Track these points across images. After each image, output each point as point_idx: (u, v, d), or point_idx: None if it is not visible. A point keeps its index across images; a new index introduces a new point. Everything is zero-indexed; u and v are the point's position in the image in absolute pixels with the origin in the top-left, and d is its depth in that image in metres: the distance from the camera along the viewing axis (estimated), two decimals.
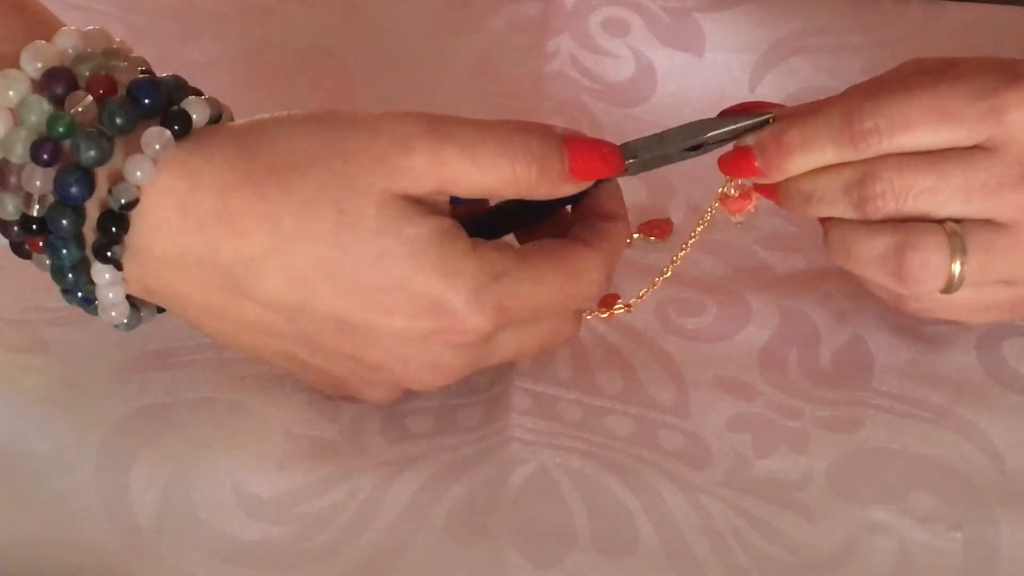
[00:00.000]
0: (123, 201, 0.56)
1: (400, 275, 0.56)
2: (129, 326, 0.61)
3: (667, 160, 0.62)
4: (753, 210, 0.64)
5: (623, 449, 0.62)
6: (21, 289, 0.67)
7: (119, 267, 0.58)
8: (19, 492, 0.60)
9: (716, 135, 0.62)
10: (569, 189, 0.59)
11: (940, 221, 0.60)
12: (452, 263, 0.57)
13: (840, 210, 0.61)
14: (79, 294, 0.60)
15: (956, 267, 0.60)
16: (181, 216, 0.57)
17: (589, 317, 0.65)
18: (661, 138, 0.62)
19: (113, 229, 0.57)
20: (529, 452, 0.61)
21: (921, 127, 0.59)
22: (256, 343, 0.60)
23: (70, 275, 0.58)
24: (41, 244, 0.58)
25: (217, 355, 0.65)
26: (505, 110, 0.77)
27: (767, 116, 0.61)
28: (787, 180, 0.61)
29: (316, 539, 0.59)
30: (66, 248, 0.57)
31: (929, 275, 0.60)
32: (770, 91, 0.78)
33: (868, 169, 0.60)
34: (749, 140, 0.62)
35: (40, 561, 0.58)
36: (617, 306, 0.65)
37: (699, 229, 0.65)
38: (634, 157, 0.61)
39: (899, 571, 0.58)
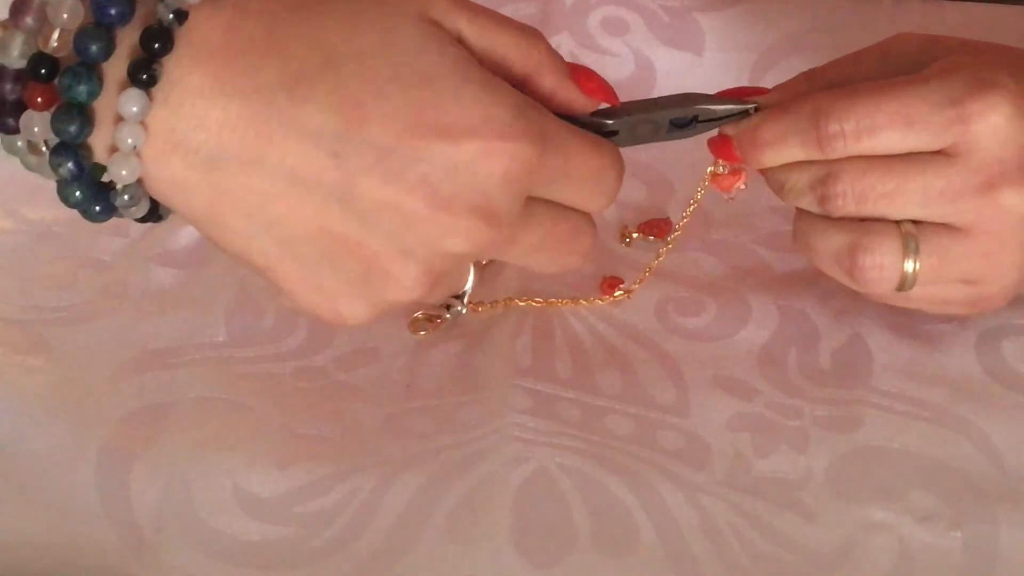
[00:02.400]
0: (174, 10, 0.53)
1: (449, 89, 0.54)
2: (132, 201, 0.55)
3: (655, 132, 0.62)
4: (743, 187, 0.65)
5: (623, 448, 0.62)
6: (21, 289, 0.67)
7: (149, 95, 0.53)
8: (20, 492, 0.60)
9: (704, 110, 0.62)
10: (569, 92, 0.59)
11: (899, 222, 0.61)
12: (496, 82, 0.55)
13: (807, 203, 0.62)
14: (70, 164, 0.54)
15: (909, 266, 0.61)
16: (226, 38, 0.53)
17: (585, 302, 0.65)
18: (655, 102, 0.62)
19: (157, 46, 0.52)
20: (529, 451, 0.61)
21: (886, 133, 0.60)
22: (281, 215, 0.54)
23: (72, 127, 0.53)
24: (40, 100, 0.53)
25: (217, 355, 0.65)
26: None
27: (751, 105, 0.62)
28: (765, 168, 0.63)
29: (317, 539, 0.59)
30: (87, 82, 0.52)
31: (881, 275, 0.61)
32: None
33: (832, 169, 0.61)
34: (730, 130, 0.63)
35: (40, 560, 0.58)
36: (618, 291, 0.65)
37: (690, 209, 0.67)
38: (627, 114, 0.61)
39: (899, 570, 0.58)
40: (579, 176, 0.58)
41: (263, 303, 0.68)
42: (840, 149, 0.60)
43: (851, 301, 0.68)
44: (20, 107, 0.53)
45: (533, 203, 0.57)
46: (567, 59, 0.78)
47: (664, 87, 0.78)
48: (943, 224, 0.60)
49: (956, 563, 0.59)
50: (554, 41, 0.79)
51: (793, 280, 0.70)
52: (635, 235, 0.72)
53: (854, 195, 0.60)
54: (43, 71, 0.53)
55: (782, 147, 0.61)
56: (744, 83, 0.78)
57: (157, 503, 0.60)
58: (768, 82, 0.78)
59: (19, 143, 0.54)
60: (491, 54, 0.57)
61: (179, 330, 0.66)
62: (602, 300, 0.66)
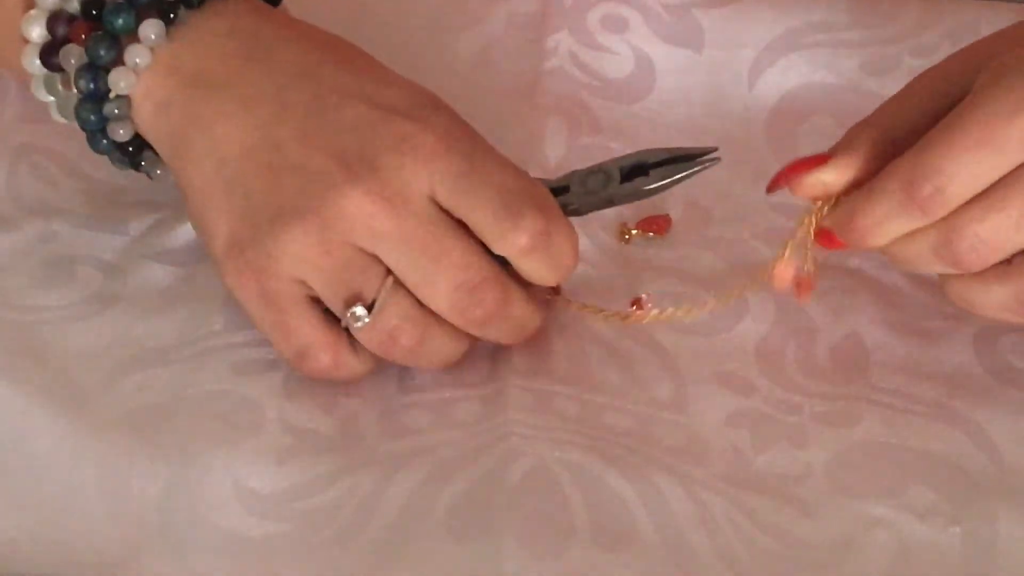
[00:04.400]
0: None
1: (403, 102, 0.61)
2: (119, 115, 0.64)
3: (607, 183, 0.62)
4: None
5: (622, 444, 0.62)
6: (21, 289, 0.67)
7: (168, 32, 0.63)
8: (20, 490, 0.61)
9: (655, 153, 0.62)
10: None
11: None
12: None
13: (942, 269, 0.60)
14: (89, 81, 0.63)
15: None
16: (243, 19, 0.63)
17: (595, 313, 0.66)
18: (600, 168, 0.62)
19: None
20: (528, 446, 0.61)
21: (978, 169, 0.58)
22: (223, 133, 0.62)
23: (101, 50, 0.62)
24: (82, 36, 0.63)
25: (215, 347, 0.65)
26: (504, 107, 0.77)
27: (711, 150, 0.62)
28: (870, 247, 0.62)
29: (317, 535, 0.59)
30: (124, 15, 0.62)
31: None
32: (769, 88, 0.78)
33: (949, 228, 0.59)
34: (827, 221, 0.62)
35: (41, 558, 0.59)
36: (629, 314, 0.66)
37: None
38: (582, 186, 0.62)
39: (897, 565, 0.58)
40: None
41: None
42: (943, 206, 0.58)
43: (849, 298, 0.69)
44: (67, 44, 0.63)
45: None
46: (566, 57, 0.79)
47: (664, 85, 0.78)
48: None
49: (955, 558, 0.59)
50: (554, 39, 0.79)
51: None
52: (634, 231, 0.72)
53: (984, 245, 0.59)
54: (93, 11, 0.63)
55: (885, 226, 0.60)
56: (743, 80, 0.78)
57: (158, 500, 0.60)
58: (767, 79, 0.78)
59: (58, 85, 0.64)
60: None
61: (178, 328, 0.66)
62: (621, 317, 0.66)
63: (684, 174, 0.62)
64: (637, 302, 0.66)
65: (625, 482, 0.60)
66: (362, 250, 0.59)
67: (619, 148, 0.75)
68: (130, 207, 0.71)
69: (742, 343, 0.67)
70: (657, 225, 0.72)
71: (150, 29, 0.63)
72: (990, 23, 0.78)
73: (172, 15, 0.63)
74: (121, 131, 0.64)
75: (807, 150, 0.75)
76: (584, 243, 0.70)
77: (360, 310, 0.60)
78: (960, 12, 0.79)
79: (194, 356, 0.65)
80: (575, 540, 0.58)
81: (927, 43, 0.78)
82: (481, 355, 0.65)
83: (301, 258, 0.59)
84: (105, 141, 0.65)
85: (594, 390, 0.64)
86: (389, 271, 0.60)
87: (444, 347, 0.62)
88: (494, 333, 0.62)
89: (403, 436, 0.62)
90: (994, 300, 0.60)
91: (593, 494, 0.60)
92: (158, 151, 0.65)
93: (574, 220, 0.63)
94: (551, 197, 0.61)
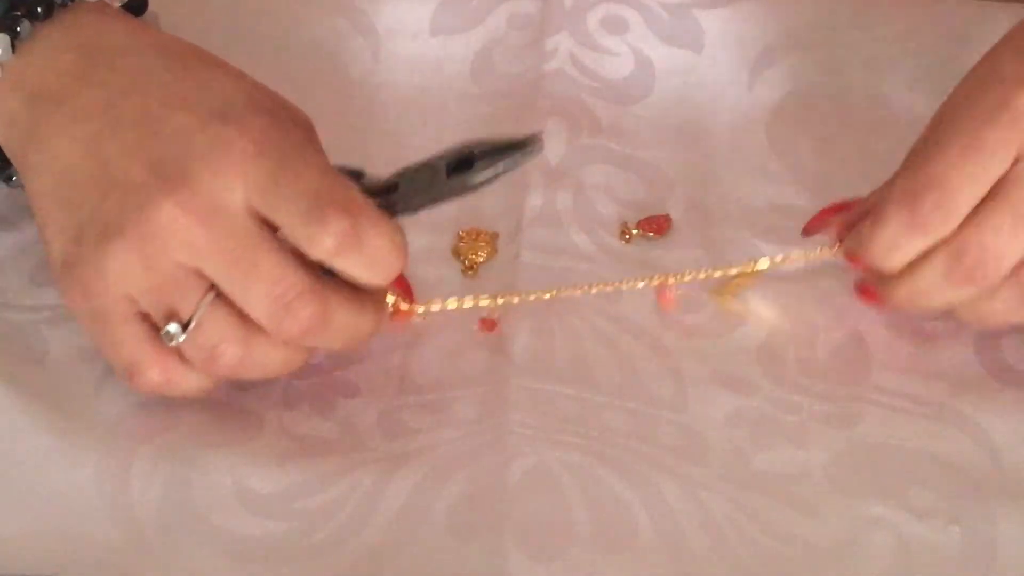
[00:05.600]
0: None
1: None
2: None
3: (434, 179, 0.60)
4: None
5: (622, 444, 0.62)
6: (21, 288, 0.67)
7: (14, 45, 0.62)
8: (20, 490, 0.60)
9: (481, 145, 0.60)
10: None
11: None
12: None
13: (955, 293, 0.62)
14: None
15: None
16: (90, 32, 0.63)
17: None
18: (426, 163, 0.61)
19: (40, 10, 0.62)
20: (528, 446, 0.61)
21: (970, 177, 0.60)
22: (57, 147, 0.60)
23: None
24: None
25: None
26: (503, 108, 0.77)
27: (533, 137, 0.60)
28: (895, 293, 0.63)
29: (317, 535, 0.59)
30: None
31: None
32: (769, 88, 0.78)
33: (953, 248, 0.61)
34: (844, 255, 0.65)
35: (41, 558, 0.58)
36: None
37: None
38: (410, 184, 0.61)
39: (897, 565, 0.58)
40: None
41: None
42: (945, 219, 0.60)
43: (850, 298, 0.68)
44: None
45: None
46: (566, 58, 0.79)
47: (664, 85, 0.78)
48: None
49: (954, 558, 0.59)
50: (553, 40, 0.79)
51: (792, 276, 0.70)
52: (634, 231, 0.72)
53: (987, 252, 0.60)
54: None
55: (897, 249, 0.62)
56: (743, 81, 0.78)
57: (158, 500, 0.60)
58: (767, 79, 0.78)
59: None
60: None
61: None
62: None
63: (510, 166, 0.60)
64: (662, 286, 0.67)
65: (625, 482, 0.60)
66: (183, 265, 0.58)
67: (619, 149, 0.76)
68: None
69: (743, 343, 0.67)
70: (657, 225, 0.72)
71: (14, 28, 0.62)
72: (991, 23, 0.78)
73: (17, 29, 0.62)
74: None
75: (807, 150, 0.76)
76: (585, 242, 0.71)
77: (174, 327, 0.59)
78: (960, 12, 0.79)
79: None
80: (575, 540, 0.58)
81: (927, 43, 0.78)
82: (481, 354, 0.65)
83: (125, 274, 0.58)
84: None
85: (594, 389, 0.64)
86: (213, 286, 0.59)
87: (274, 359, 0.60)
88: (320, 343, 0.60)
89: (403, 436, 0.62)
90: (1000, 306, 0.62)
91: (593, 494, 0.60)
92: (14, 166, 0.64)
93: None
94: (360, 197, 0.59)
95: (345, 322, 0.60)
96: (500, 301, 0.67)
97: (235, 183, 0.58)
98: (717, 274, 0.68)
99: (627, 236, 0.72)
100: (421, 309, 0.66)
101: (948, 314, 0.65)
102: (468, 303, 0.67)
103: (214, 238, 0.57)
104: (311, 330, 0.59)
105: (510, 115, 0.77)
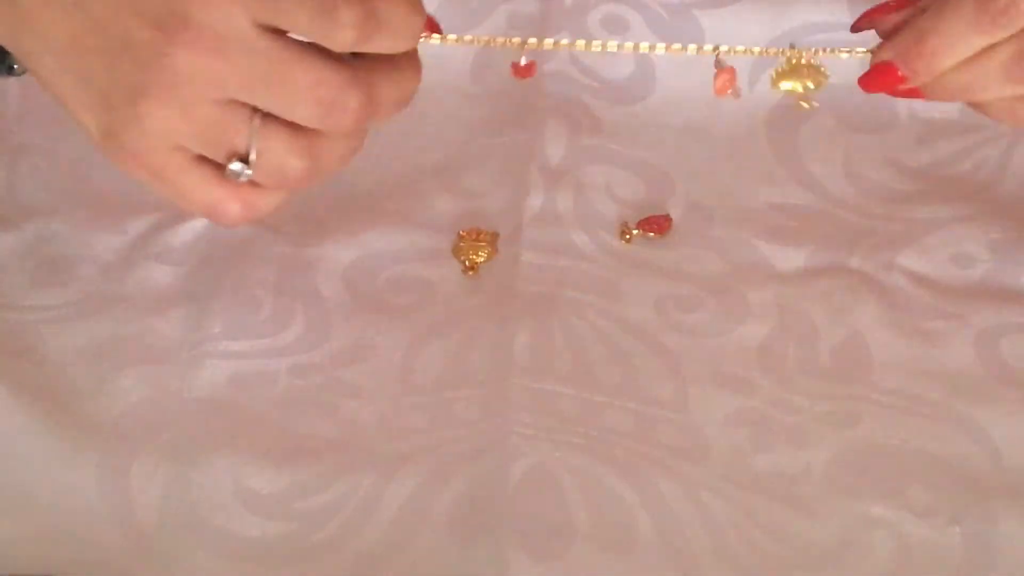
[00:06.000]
0: None
1: None
2: None
3: None
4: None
5: (622, 444, 0.62)
6: (21, 288, 0.67)
7: None
8: (20, 491, 0.60)
9: None
10: None
11: None
12: None
13: (1009, 87, 0.60)
14: None
15: None
16: None
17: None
18: None
19: None
20: (528, 446, 0.61)
21: None
22: (48, 26, 0.59)
23: None
24: None
25: (215, 358, 0.65)
26: (504, 108, 0.77)
27: None
28: (945, 84, 0.60)
29: (317, 535, 0.59)
30: None
31: None
32: (769, 88, 0.78)
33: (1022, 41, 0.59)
34: (886, 54, 0.61)
35: (42, 559, 0.58)
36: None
37: None
38: None
39: (897, 565, 0.58)
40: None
41: (260, 300, 0.68)
42: (1019, 17, 0.58)
43: (851, 297, 0.69)
44: None
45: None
46: (566, 57, 0.79)
47: (664, 85, 0.79)
48: None
49: (954, 558, 0.59)
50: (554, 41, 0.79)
51: (793, 276, 0.70)
52: (635, 231, 0.72)
53: None
54: None
55: (957, 46, 0.59)
56: (743, 80, 0.78)
57: (158, 500, 0.60)
58: (767, 79, 0.78)
59: None
60: None
61: (176, 329, 0.66)
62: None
63: None
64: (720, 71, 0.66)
65: (625, 482, 0.60)
66: (219, 101, 0.57)
67: (619, 149, 0.76)
68: (129, 207, 0.71)
69: (743, 343, 0.67)
70: (658, 225, 0.72)
71: None
72: None
73: None
74: None
75: (808, 150, 0.76)
76: (585, 242, 0.71)
77: (237, 165, 0.58)
78: None
79: (193, 358, 0.65)
80: (575, 540, 0.58)
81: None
82: (482, 355, 0.65)
83: (167, 129, 0.57)
84: None
85: (595, 390, 0.64)
86: (256, 110, 0.58)
87: (340, 153, 0.60)
88: (376, 121, 0.59)
89: (403, 436, 0.62)
90: None
91: (593, 494, 0.60)
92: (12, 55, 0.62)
93: None
94: None
95: (391, 92, 0.59)
96: (532, 41, 0.64)
97: (233, 8, 0.57)
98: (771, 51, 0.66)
99: (627, 236, 0.72)
100: (452, 37, 0.64)
101: (981, 109, 0.63)
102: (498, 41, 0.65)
103: (237, 66, 0.57)
104: (363, 116, 0.58)
105: (511, 115, 0.77)
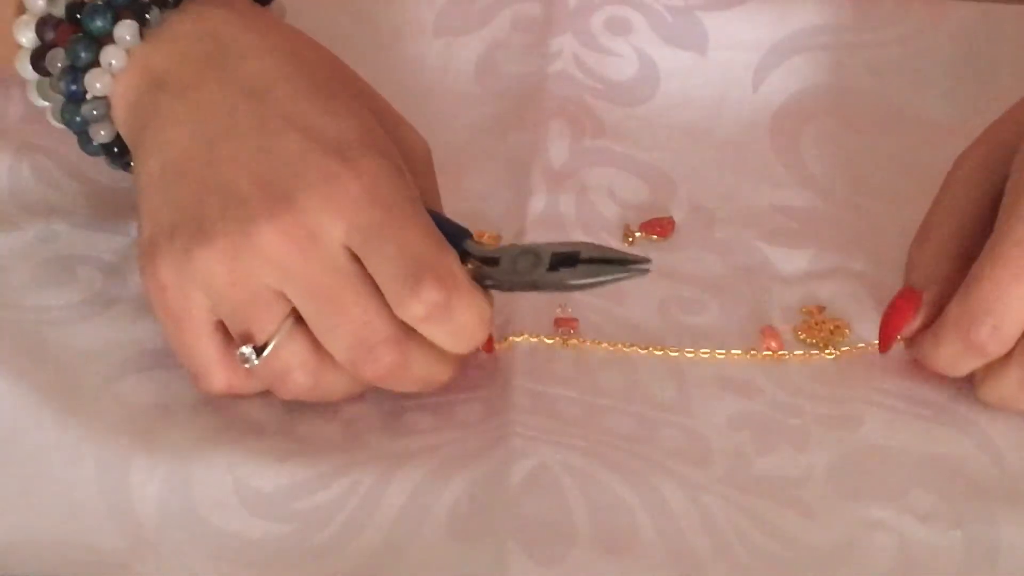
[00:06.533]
0: None
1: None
2: (97, 116, 0.64)
3: (535, 267, 0.61)
4: None
5: (624, 447, 0.62)
6: (21, 289, 0.67)
7: (142, 32, 0.63)
8: (20, 490, 0.60)
9: (588, 247, 0.61)
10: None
11: None
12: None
13: None
14: (71, 83, 0.64)
15: None
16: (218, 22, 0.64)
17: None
18: (533, 249, 0.61)
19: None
20: (530, 448, 0.61)
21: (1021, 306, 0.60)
22: (170, 136, 0.61)
23: (81, 52, 0.63)
24: (66, 39, 0.64)
25: None
26: (507, 110, 0.77)
27: (644, 262, 0.61)
28: (983, 394, 0.63)
29: (317, 536, 0.59)
30: (101, 16, 0.63)
31: None
32: (773, 89, 0.78)
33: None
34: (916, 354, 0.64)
35: (41, 559, 0.58)
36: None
37: None
38: (512, 264, 0.61)
39: (899, 569, 0.58)
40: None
41: None
42: (1003, 343, 0.60)
43: (852, 301, 0.68)
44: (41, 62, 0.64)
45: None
46: (570, 59, 0.79)
47: (668, 87, 0.79)
48: None
49: (956, 562, 0.58)
50: (557, 42, 0.79)
51: (795, 278, 0.70)
52: (638, 234, 0.72)
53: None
54: (76, 14, 0.64)
55: (958, 366, 0.62)
56: (747, 82, 0.78)
57: (158, 500, 0.60)
58: (771, 81, 0.78)
59: (48, 89, 0.65)
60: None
61: None
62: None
63: (611, 278, 0.60)
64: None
65: (627, 485, 0.60)
66: (270, 287, 0.59)
67: (622, 151, 0.76)
68: (131, 208, 0.71)
69: (746, 346, 0.67)
70: (661, 227, 0.72)
71: (124, 30, 0.63)
72: (993, 24, 0.78)
73: (146, 16, 0.63)
74: (102, 132, 0.65)
75: (811, 153, 0.76)
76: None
77: (248, 350, 0.59)
78: (965, 14, 0.79)
79: None
80: (576, 543, 0.58)
81: (931, 45, 0.78)
82: (484, 357, 0.65)
83: (208, 283, 0.59)
84: (92, 143, 0.65)
85: (596, 392, 0.64)
86: (293, 311, 0.59)
87: (339, 389, 0.61)
88: (394, 387, 0.61)
89: (404, 436, 0.62)
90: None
91: (595, 496, 0.60)
92: (130, 151, 0.65)
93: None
94: (458, 269, 0.59)
95: (423, 372, 0.61)
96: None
97: (338, 221, 0.58)
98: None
99: (630, 238, 0.72)
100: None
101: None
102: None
103: (307, 268, 0.58)
104: (388, 376, 0.60)
105: (514, 117, 0.77)
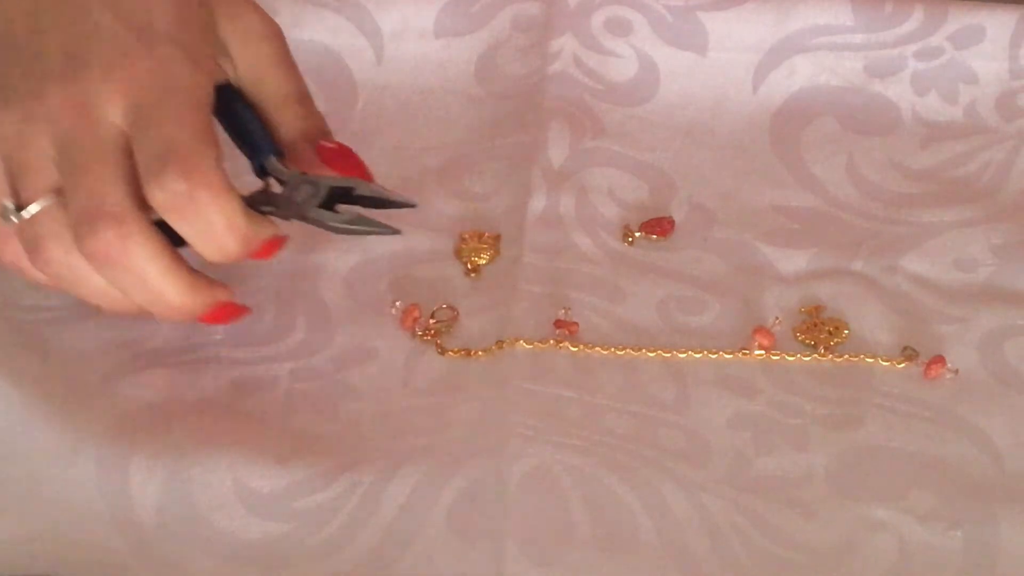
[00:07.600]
0: None
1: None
2: None
3: (312, 198, 0.61)
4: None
5: (623, 447, 0.62)
6: (21, 289, 0.67)
7: None
8: (20, 490, 0.60)
9: (365, 186, 0.61)
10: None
11: None
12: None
13: None
14: None
15: None
16: None
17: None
18: (316, 179, 0.62)
19: None
20: (529, 448, 0.61)
21: None
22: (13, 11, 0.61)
23: None
24: None
25: (215, 354, 0.65)
26: (507, 110, 0.77)
27: (414, 200, 0.62)
28: None
29: (317, 536, 0.59)
30: None
31: None
32: (773, 89, 0.78)
33: None
34: None
35: (41, 559, 0.58)
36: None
37: None
38: (294, 190, 0.61)
39: (899, 569, 0.58)
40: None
41: (261, 303, 0.68)
42: None
43: (853, 302, 0.68)
44: None
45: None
46: (570, 60, 0.79)
47: (668, 87, 0.79)
48: None
49: (956, 562, 0.58)
50: (557, 42, 0.79)
51: (794, 278, 0.70)
52: (637, 234, 0.72)
53: None
54: None
55: None
56: (747, 83, 0.78)
57: (157, 500, 0.60)
58: (771, 82, 0.78)
59: None
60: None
61: (178, 331, 0.66)
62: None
63: (365, 229, 0.61)
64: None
65: (626, 484, 0.60)
66: (45, 151, 0.59)
67: (622, 151, 0.76)
68: None
69: (746, 346, 0.67)
70: (660, 227, 0.72)
71: None
72: (994, 24, 0.78)
73: None
74: None
75: (811, 153, 0.76)
76: (587, 244, 0.71)
77: (9, 204, 0.60)
78: (964, 15, 0.79)
79: (194, 362, 0.65)
80: (575, 542, 0.58)
81: (931, 46, 0.78)
82: (483, 357, 0.65)
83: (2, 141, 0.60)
84: None
85: (596, 392, 0.64)
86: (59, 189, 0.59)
87: (95, 287, 0.60)
88: (120, 283, 0.59)
89: (403, 436, 0.62)
90: None
91: (594, 496, 0.60)
92: None
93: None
94: (214, 168, 0.58)
95: (149, 278, 0.59)
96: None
97: (116, 97, 0.59)
98: None
99: (630, 238, 0.71)
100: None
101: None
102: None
103: (74, 134, 0.58)
104: (107, 257, 0.58)
105: (514, 117, 0.77)
